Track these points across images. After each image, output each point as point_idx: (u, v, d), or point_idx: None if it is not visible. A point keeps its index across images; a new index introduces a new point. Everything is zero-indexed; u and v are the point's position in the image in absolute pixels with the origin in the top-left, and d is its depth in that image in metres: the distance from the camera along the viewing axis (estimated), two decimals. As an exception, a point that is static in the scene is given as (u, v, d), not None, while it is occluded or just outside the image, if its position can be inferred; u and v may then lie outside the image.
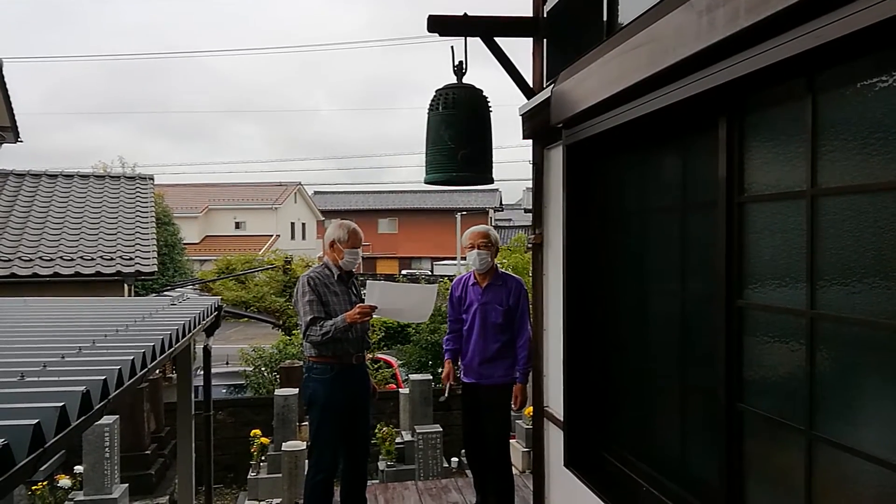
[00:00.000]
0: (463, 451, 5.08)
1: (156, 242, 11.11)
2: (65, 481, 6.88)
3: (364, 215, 41.95)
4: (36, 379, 1.89)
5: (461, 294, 4.50)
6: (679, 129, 2.80)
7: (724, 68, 2.14)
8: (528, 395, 4.45)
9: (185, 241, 21.05)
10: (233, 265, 21.46)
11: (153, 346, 2.56)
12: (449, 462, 7.86)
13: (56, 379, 1.89)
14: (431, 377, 8.62)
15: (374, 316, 4.12)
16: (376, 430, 7.43)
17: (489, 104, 3.81)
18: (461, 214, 29.65)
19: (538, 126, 3.97)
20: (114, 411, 6.94)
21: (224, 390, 11.91)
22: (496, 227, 31.92)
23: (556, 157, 3.92)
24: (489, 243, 4.38)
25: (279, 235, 34.97)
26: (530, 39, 4.26)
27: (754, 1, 1.88)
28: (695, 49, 2.19)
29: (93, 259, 9.96)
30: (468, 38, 3.83)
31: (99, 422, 4.83)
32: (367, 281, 4.21)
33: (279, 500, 6.67)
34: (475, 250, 4.36)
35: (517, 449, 7.17)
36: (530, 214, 4.66)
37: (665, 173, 3.05)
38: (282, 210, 36.64)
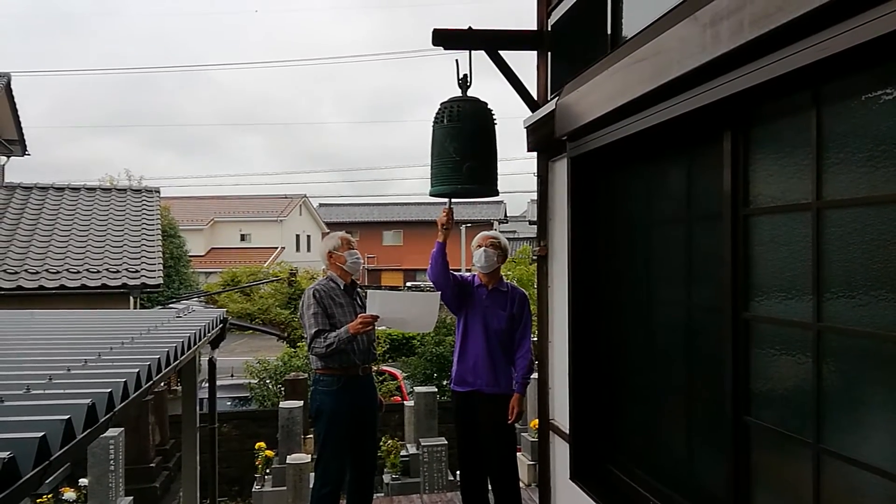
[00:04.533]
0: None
1: (161, 255, 11.14)
2: (70, 494, 6.87)
3: (369, 227, 42.01)
4: (42, 392, 1.89)
5: (467, 284, 4.34)
6: (684, 141, 2.80)
7: (728, 81, 2.15)
8: (525, 407, 4.34)
9: (190, 254, 21.09)
10: (238, 277, 21.50)
11: (159, 358, 2.56)
12: (454, 475, 7.82)
13: (62, 391, 1.89)
14: (437, 389, 8.59)
15: (376, 326, 4.10)
16: (381, 443, 7.41)
17: (494, 117, 3.82)
18: (466, 226, 29.61)
19: (543, 138, 3.98)
20: (119, 424, 6.93)
21: (229, 403, 11.92)
22: (501, 239, 31.62)
23: (561, 169, 3.93)
24: (497, 244, 4.34)
25: (284, 248, 35.04)
26: (534, 52, 4.28)
27: (758, 14, 1.88)
28: (699, 62, 2.19)
29: (99, 272, 10.00)
30: (473, 52, 3.85)
31: (104, 434, 4.82)
32: (368, 291, 4.19)
33: (284, 514, 6.64)
34: (482, 248, 4.31)
35: (522, 462, 7.13)
36: (535, 226, 4.65)
37: (670, 186, 3.04)
38: (287, 222, 36.74)
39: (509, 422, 4.20)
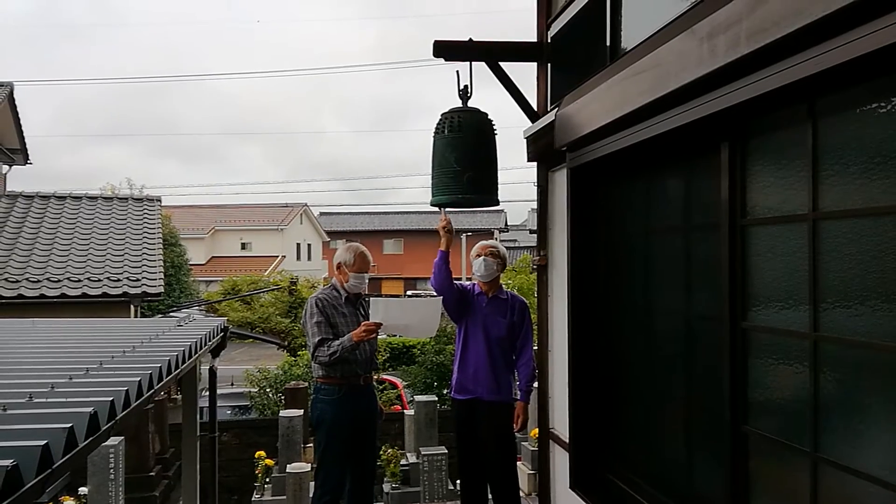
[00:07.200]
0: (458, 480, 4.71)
1: (162, 263, 11.14)
2: (69, 503, 6.85)
3: (369, 236, 41.99)
4: (44, 400, 1.90)
5: (468, 292, 4.40)
6: (682, 153, 2.82)
7: (725, 94, 2.17)
8: (529, 415, 4.36)
9: (191, 262, 21.09)
10: (238, 286, 21.47)
11: (160, 367, 2.57)
12: (454, 484, 7.80)
13: (64, 400, 1.90)
14: (437, 398, 8.58)
15: (380, 333, 4.12)
16: (381, 452, 7.39)
17: (494, 127, 3.84)
18: (466, 235, 29.62)
19: (542, 149, 4.00)
20: (119, 433, 6.92)
21: (229, 411, 11.89)
22: (501, 248, 31.52)
23: (561, 179, 3.95)
24: (496, 253, 4.37)
25: (285, 256, 35.02)
26: (534, 64, 4.30)
27: (755, 28, 1.91)
28: (697, 75, 2.22)
29: (100, 280, 10.00)
30: (473, 63, 3.87)
31: (104, 443, 4.82)
32: (371, 298, 4.20)
33: (283, 523, 6.62)
34: (481, 257, 4.34)
35: (523, 471, 7.12)
36: (535, 235, 4.67)
37: (668, 196, 3.06)
38: (287, 231, 36.73)
39: (515, 430, 4.23)
